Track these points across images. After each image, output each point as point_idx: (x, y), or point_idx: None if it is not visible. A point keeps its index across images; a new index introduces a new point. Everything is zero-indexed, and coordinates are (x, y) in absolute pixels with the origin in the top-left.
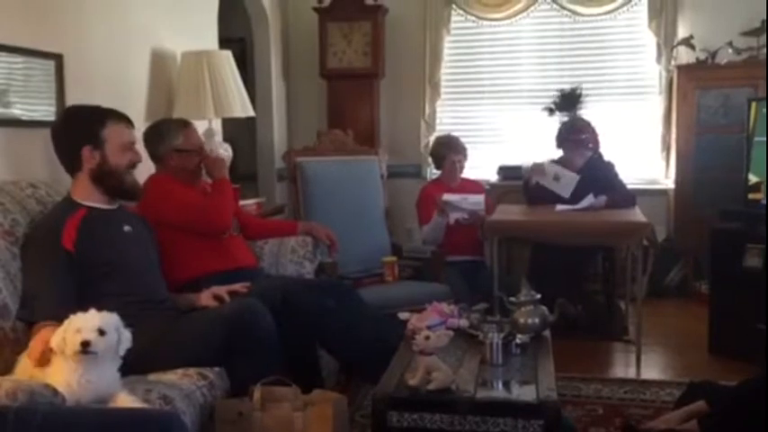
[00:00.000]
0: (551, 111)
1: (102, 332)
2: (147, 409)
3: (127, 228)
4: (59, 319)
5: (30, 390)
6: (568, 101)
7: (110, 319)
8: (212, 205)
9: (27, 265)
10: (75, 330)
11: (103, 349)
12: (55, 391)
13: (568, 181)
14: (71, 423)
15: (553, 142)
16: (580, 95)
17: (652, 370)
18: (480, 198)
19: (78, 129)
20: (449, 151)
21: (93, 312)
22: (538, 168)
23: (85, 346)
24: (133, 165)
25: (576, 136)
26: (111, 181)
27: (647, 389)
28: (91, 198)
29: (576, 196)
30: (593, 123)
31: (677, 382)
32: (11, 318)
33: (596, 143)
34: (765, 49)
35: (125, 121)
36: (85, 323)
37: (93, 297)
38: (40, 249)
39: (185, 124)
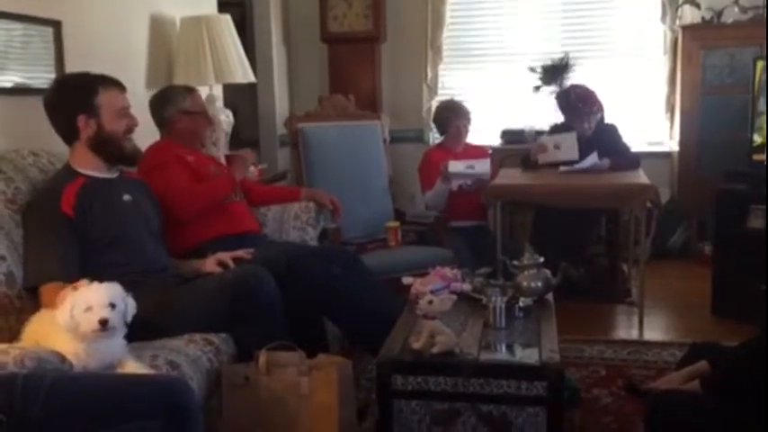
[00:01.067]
0: (537, 88)
1: (113, 305)
2: (155, 374)
3: (126, 197)
4: (66, 279)
5: (37, 357)
6: (555, 72)
7: (115, 291)
8: (198, 193)
9: (28, 232)
10: (86, 308)
11: (118, 322)
12: (62, 358)
13: (569, 143)
14: (79, 389)
15: (556, 108)
16: (567, 64)
17: (654, 331)
18: (486, 164)
19: (71, 98)
20: (453, 115)
21: (96, 286)
22: (540, 148)
23: (104, 324)
24: (130, 130)
25: (590, 108)
26: (110, 148)
27: (649, 350)
28: (90, 166)
29: (580, 157)
30: (593, 86)
31: (680, 343)
32: (16, 285)
33: (601, 107)
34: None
35: (117, 85)
36: (96, 299)
37: (93, 267)
38: (40, 215)
39: (191, 89)
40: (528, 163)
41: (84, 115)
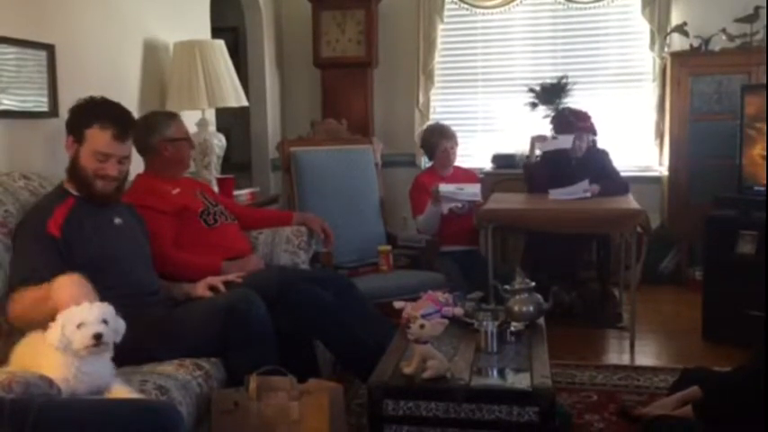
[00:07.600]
0: (534, 105)
1: (105, 322)
2: (144, 399)
3: (117, 220)
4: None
5: (25, 381)
6: (552, 93)
7: (106, 309)
8: (176, 264)
9: (16, 250)
10: (77, 324)
11: (111, 338)
12: (50, 383)
13: (566, 138)
14: (67, 414)
15: (551, 127)
16: (566, 86)
17: (646, 356)
18: (477, 188)
19: (73, 116)
20: (441, 138)
21: (87, 304)
22: (538, 138)
23: (98, 338)
24: (102, 176)
25: (584, 123)
26: (79, 179)
27: (641, 375)
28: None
29: (571, 183)
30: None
31: (671, 369)
32: (4, 310)
33: (593, 127)
34: (762, 34)
35: (115, 132)
36: (87, 315)
37: None
38: (27, 234)
39: (173, 116)
40: (529, 170)
41: (71, 137)
